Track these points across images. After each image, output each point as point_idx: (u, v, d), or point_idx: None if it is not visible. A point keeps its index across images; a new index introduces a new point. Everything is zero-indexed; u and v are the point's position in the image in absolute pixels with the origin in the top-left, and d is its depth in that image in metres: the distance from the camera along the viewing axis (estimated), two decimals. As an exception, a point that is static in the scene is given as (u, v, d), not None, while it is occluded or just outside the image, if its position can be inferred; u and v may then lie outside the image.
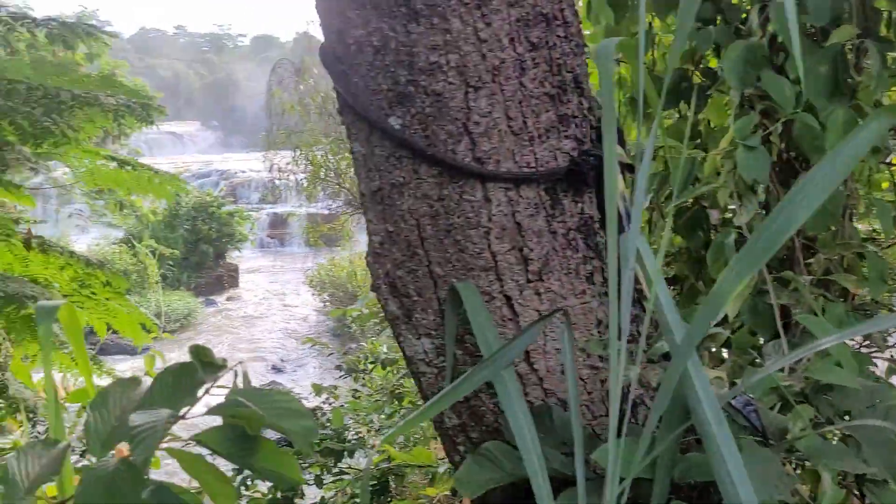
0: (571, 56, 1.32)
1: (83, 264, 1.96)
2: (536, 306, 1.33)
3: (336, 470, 3.33)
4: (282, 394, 0.88)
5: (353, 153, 1.39)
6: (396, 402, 3.47)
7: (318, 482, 3.29)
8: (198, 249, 17.80)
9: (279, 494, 3.31)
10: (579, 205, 1.34)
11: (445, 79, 1.24)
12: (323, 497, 3.22)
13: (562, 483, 1.19)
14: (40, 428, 1.57)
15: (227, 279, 18.56)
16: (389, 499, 3.46)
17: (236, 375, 1.03)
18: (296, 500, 3.28)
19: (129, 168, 2.11)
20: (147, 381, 1.05)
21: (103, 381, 2.68)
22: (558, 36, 1.31)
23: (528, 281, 1.32)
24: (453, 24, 1.22)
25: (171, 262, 16.58)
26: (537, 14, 1.27)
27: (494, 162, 1.27)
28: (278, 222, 23.24)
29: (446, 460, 2.76)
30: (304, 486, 3.35)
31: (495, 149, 1.27)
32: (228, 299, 17.61)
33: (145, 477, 0.87)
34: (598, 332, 1.38)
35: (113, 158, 2.10)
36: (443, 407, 1.22)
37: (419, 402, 3.61)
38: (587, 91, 1.36)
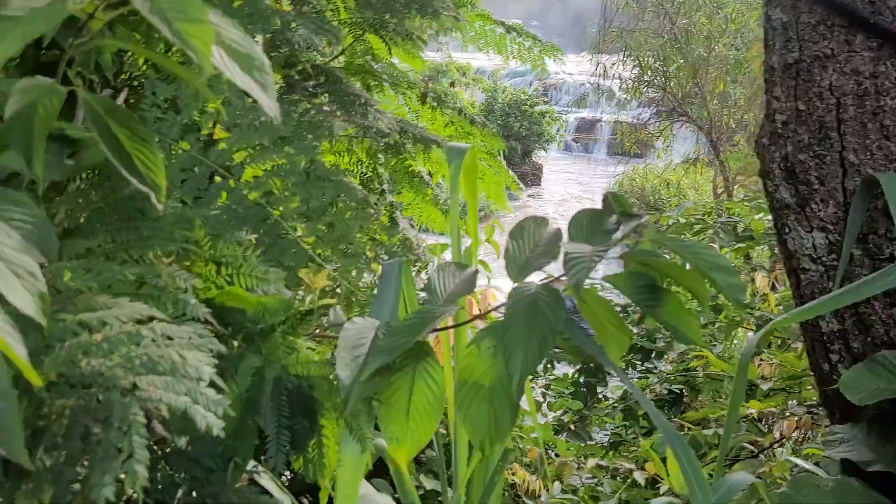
0: None
1: (467, 122, 2.10)
2: (971, 212, 1.15)
3: (642, 368, 3.34)
4: (707, 248, 0.86)
5: (770, 20, 1.28)
6: (713, 314, 3.33)
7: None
8: (507, 145, 18.52)
9: (581, 379, 3.44)
10: None
11: (913, -68, 1.07)
12: (625, 390, 3.26)
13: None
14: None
15: (530, 177, 19.10)
16: (683, 409, 3.40)
17: (636, 230, 1.02)
18: (598, 388, 3.37)
19: (513, 34, 2.18)
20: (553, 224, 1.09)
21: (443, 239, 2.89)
22: None
23: (968, 181, 1.14)
24: None
25: (479, 155, 17.42)
26: None
27: (955, 35, 1.09)
28: (585, 127, 23.11)
29: (769, 377, 2.60)
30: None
31: (959, 20, 1.08)
32: (530, 196, 18.16)
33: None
34: None
35: (501, 24, 2.19)
36: (836, 305, 1.13)
37: (736, 317, 3.43)
38: None
